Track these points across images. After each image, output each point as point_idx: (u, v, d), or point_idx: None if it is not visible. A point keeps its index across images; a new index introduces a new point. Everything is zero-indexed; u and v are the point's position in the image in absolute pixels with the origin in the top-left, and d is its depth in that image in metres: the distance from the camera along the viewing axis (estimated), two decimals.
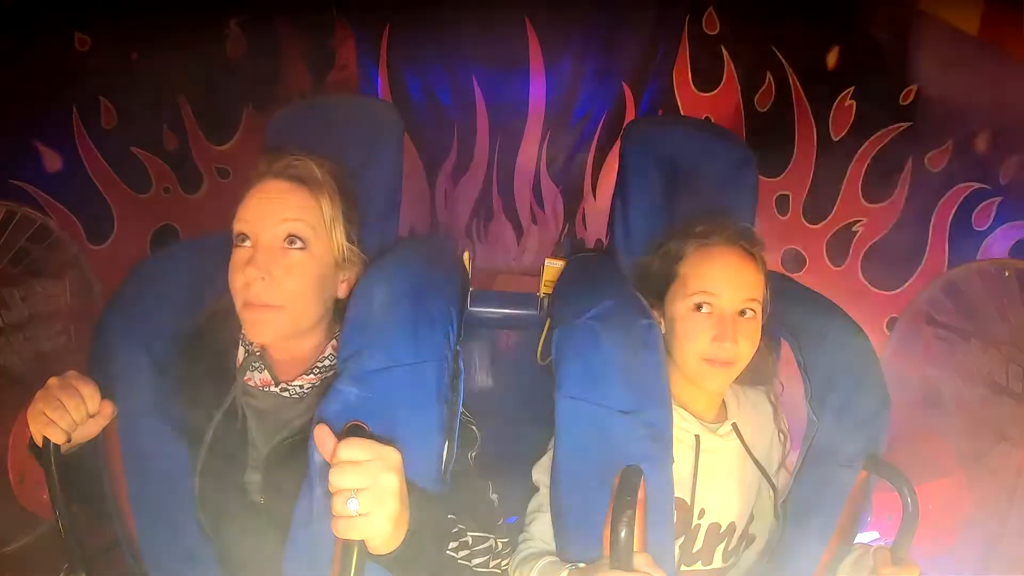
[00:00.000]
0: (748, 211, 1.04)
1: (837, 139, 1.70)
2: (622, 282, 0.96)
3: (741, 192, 1.03)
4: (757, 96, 1.96)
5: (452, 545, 0.72)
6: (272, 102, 1.94)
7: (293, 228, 0.78)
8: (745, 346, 0.84)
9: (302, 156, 0.83)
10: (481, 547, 0.76)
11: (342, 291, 0.85)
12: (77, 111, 1.32)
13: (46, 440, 0.72)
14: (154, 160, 1.52)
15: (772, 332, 0.93)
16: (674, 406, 0.86)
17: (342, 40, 2.12)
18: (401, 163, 0.97)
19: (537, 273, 2.57)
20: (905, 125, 1.47)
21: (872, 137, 1.57)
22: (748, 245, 0.89)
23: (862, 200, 1.64)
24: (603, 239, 2.49)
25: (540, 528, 0.83)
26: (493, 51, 2.18)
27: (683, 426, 0.88)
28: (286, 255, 0.78)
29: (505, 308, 1.16)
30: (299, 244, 0.78)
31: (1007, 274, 1.14)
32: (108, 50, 1.32)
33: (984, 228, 1.24)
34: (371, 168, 0.94)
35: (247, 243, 0.78)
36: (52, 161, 1.27)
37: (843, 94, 1.64)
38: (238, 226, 0.79)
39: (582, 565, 0.74)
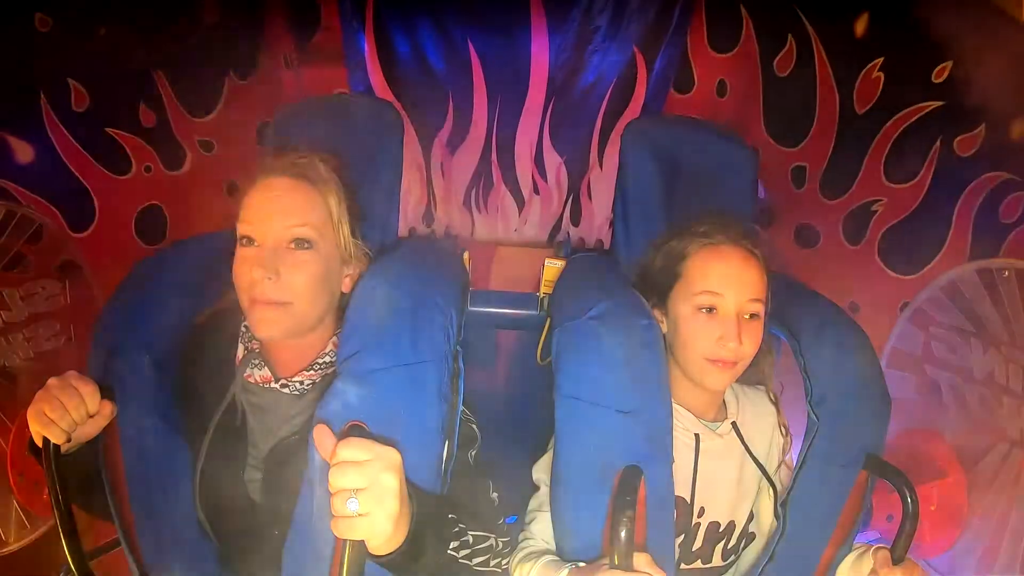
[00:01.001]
0: (748, 211, 1.05)
1: (862, 112, 1.66)
2: (622, 282, 0.98)
3: (741, 191, 1.04)
4: (777, 60, 1.90)
5: (453, 544, 0.76)
6: (255, 68, 1.92)
7: (299, 233, 0.80)
8: (748, 346, 0.87)
9: (307, 153, 0.84)
10: (482, 546, 0.80)
11: (346, 286, 0.87)
12: (45, 96, 1.29)
13: (46, 440, 0.75)
14: (132, 139, 1.50)
15: (772, 332, 0.96)
16: (674, 405, 0.89)
17: None
18: (401, 162, 0.98)
19: (538, 245, 2.57)
20: (936, 104, 1.44)
21: (899, 114, 1.52)
22: (751, 245, 0.90)
23: (884, 179, 1.63)
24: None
25: (540, 527, 0.87)
26: (490, 9, 2.12)
27: (683, 425, 0.92)
28: (292, 254, 0.80)
29: (505, 308, 1.19)
30: (306, 246, 0.81)
31: (1007, 274, 1.15)
32: (73, 28, 1.27)
33: (1011, 221, 1.22)
34: (372, 167, 0.95)
35: (253, 244, 0.80)
36: (23, 152, 1.25)
37: (871, 65, 1.58)
38: (243, 228, 0.81)
39: (582, 564, 0.78)
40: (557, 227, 2.58)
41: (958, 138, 1.38)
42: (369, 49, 2.17)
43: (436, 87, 2.28)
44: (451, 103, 2.31)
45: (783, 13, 1.83)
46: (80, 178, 1.39)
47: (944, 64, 1.38)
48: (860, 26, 1.64)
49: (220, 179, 1.76)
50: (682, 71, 2.20)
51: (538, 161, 2.48)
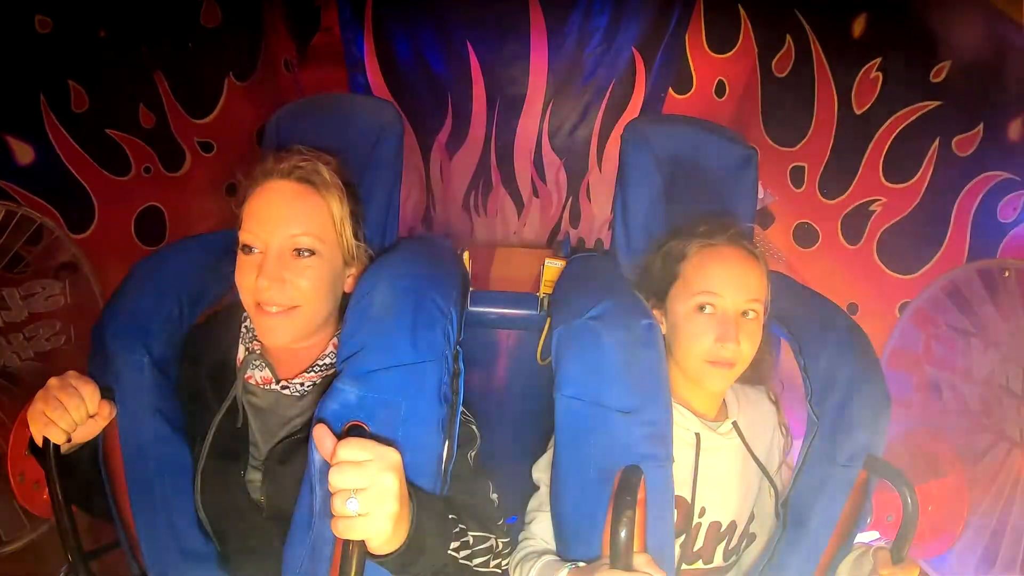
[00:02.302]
0: (748, 210, 1.05)
1: (860, 112, 1.67)
2: (622, 282, 0.98)
3: (741, 191, 1.04)
4: (775, 60, 1.91)
5: (453, 545, 0.76)
6: (254, 70, 1.92)
7: (301, 243, 0.79)
8: (747, 347, 0.87)
9: (309, 155, 0.83)
10: (482, 547, 0.80)
11: (348, 285, 0.87)
12: (44, 97, 1.29)
13: (46, 440, 0.75)
14: (131, 140, 1.51)
15: (772, 332, 0.96)
16: (674, 404, 0.89)
17: (326, 1, 2.08)
18: (401, 163, 0.98)
19: (538, 247, 2.58)
20: (934, 104, 1.44)
21: (897, 113, 1.53)
22: (750, 246, 0.90)
23: (882, 179, 1.63)
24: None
25: (540, 527, 0.87)
26: (490, 13, 2.12)
27: (683, 424, 0.91)
28: (296, 261, 0.79)
29: (505, 308, 1.18)
30: (308, 254, 0.80)
31: (1007, 274, 1.16)
32: (72, 30, 1.28)
33: (1009, 221, 1.23)
34: (371, 168, 0.94)
35: (255, 252, 0.79)
36: (23, 153, 1.25)
37: (869, 65, 1.59)
38: (244, 237, 0.80)
39: (582, 564, 0.78)
40: (556, 229, 2.58)
41: (957, 138, 1.38)
42: (368, 51, 2.17)
43: (436, 89, 2.28)
44: (450, 105, 2.31)
45: (781, 13, 1.83)
46: (80, 179, 1.39)
47: (943, 64, 1.38)
48: (858, 26, 1.64)
49: (219, 180, 1.75)
50: (681, 72, 2.20)
51: (537, 163, 2.48)
